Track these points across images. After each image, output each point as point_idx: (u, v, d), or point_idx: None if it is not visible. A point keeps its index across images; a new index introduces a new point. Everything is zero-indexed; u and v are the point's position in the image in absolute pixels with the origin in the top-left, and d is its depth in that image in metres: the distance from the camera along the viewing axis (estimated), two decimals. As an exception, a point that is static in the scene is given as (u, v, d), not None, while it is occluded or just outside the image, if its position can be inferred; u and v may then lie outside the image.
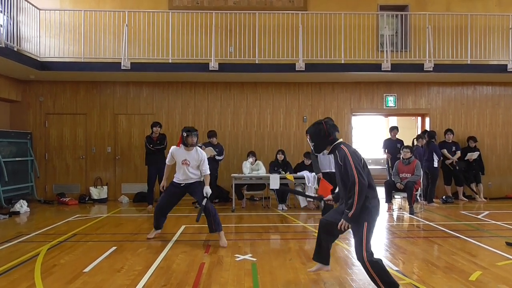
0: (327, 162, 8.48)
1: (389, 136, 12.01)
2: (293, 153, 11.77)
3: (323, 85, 12.24)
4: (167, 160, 6.92)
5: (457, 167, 11.54)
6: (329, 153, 4.25)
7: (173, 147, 6.79)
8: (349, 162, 3.94)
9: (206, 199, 6.53)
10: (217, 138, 10.75)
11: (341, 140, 4.17)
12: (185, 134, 6.57)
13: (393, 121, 16.76)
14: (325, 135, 4.15)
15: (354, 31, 11.48)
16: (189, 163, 6.66)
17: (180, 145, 6.69)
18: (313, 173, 10.02)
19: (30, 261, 5.63)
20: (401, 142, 11.55)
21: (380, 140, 17.37)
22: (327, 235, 4.57)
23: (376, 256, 4.05)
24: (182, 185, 6.76)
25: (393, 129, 11.91)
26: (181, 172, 6.74)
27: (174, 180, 6.85)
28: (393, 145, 11.48)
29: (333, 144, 4.15)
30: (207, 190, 6.56)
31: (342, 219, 4.05)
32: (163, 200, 6.89)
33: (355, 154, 4.02)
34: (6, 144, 10.44)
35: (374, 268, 3.98)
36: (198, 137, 6.79)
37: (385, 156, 11.96)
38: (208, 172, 6.78)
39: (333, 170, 7.74)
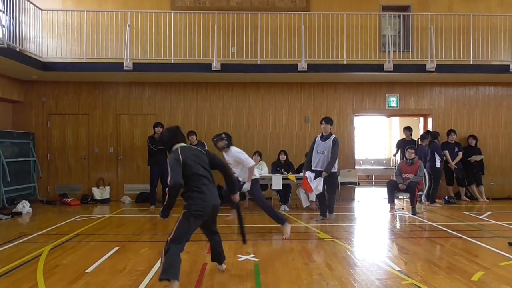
0: (317, 160, 8.64)
1: (387, 135, 12.01)
2: (295, 153, 11.77)
3: (325, 86, 12.24)
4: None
5: (454, 174, 11.53)
6: None
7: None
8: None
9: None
10: (197, 137, 10.79)
11: (176, 147, 4.68)
12: (213, 142, 7.29)
13: (396, 121, 16.76)
14: (164, 140, 4.85)
15: (356, 32, 11.47)
16: (231, 163, 7.22)
17: None
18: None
19: (33, 261, 5.64)
20: (415, 142, 11.54)
21: (382, 141, 17.55)
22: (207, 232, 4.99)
23: (181, 247, 4.34)
24: (241, 182, 7.35)
25: (407, 130, 11.92)
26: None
27: None
28: (406, 146, 11.25)
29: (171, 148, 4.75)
30: (246, 186, 7.27)
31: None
32: None
33: (174, 158, 4.49)
34: (9, 145, 10.46)
35: (166, 253, 4.23)
36: (227, 138, 7.23)
37: (394, 157, 12.01)
38: (250, 164, 7.20)
39: (320, 169, 8.53)
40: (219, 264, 5.14)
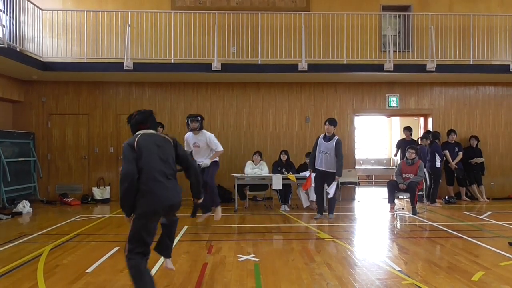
0: (319, 160, 8.82)
1: (387, 135, 12.00)
2: (295, 153, 11.75)
3: (325, 86, 12.24)
4: (185, 147, 7.88)
5: (455, 174, 11.54)
6: None
7: (186, 134, 7.99)
8: None
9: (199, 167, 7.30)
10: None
11: (139, 133, 4.00)
12: (187, 121, 7.78)
13: (396, 121, 16.76)
14: (131, 122, 4.15)
15: (356, 32, 11.46)
16: (199, 145, 7.75)
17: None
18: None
19: (33, 261, 5.64)
20: (415, 142, 11.54)
21: (382, 141, 17.55)
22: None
23: (143, 259, 3.76)
24: (201, 165, 7.66)
25: (407, 130, 11.93)
26: (196, 154, 7.81)
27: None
28: (407, 146, 11.12)
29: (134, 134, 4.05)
30: (205, 161, 7.73)
31: None
32: None
33: (127, 144, 3.84)
34: (9, 145, 10.46)
35: (130, 269, 3.72)
36: (201, 121, 7.79)
37: (394, 157, 12.01)
38: (220, 149, 7.86)
39: (324, 169, 8.73)
40: (166, 258, 4.48)
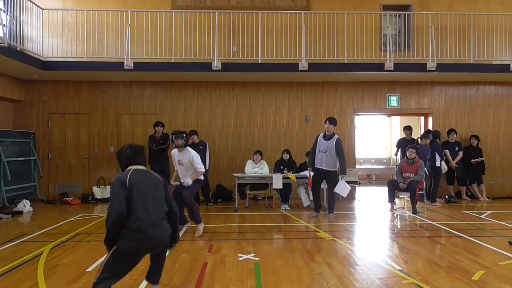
0: (319, 159, 8.87)
1: (388, 135, 11.98)
2: (296, 152, 11.73)
3: (326, 85, 12.23)
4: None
5: (455, 173, 11.55)
6: None
7: (172, 150, 7.62)
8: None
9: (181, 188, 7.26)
10: (198, 136, 10.68)
11: (130, 168, 4.03)
12: (171, 137, 7.40)
13: (396, 120, 16.76)
14: (121, 158, 4.21)
15: (357, 31, 11.45)
16: (183, 163, 7.38)
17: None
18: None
19: (33, 260, 5.65)
20: (415, 141, 11.55)
21: (382, 140, 17.54)
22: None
23: None
24: (183, 184, 7.29)
25: (407, 129, 11.93)
26: (180, 172, 7.52)
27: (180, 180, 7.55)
28: (407, 145, 10.76)
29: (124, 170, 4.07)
30: (187, 180, 7.25)
31: None
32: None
33: (118, 180, 3.84)
34: (9, 144, 10.45)
35: None
36: (186, 138, 7.41)
37: (395, 156, 12.03)
38: (201, 170, 7.37)
39: (324, 167, 8.80)
40: (153, 284, 4.31)
